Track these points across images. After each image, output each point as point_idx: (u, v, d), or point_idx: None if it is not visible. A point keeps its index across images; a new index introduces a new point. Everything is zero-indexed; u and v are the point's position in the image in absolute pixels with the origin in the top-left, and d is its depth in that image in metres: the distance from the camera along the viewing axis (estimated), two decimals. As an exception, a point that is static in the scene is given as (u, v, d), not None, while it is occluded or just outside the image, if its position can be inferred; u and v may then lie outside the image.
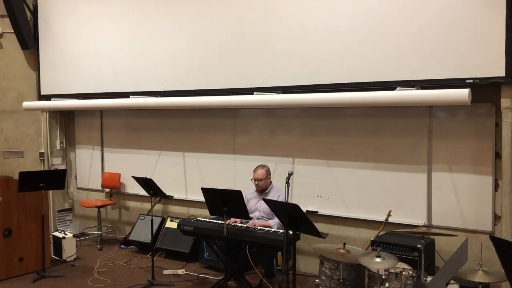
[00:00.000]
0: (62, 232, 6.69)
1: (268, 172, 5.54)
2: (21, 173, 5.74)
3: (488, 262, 4.27)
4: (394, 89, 4.77)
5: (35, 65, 7.87)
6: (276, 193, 5.49)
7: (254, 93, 5.64)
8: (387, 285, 4.19)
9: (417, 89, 4.69)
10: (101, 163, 7.86)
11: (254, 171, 5.55)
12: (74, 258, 6.56)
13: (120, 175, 7.58)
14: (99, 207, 7.31)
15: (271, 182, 5.60)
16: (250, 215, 5.32)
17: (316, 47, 5.39)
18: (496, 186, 4.84)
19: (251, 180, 5.55)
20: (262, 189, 5.52)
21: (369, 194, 5.50)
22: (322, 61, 5.36)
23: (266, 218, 5.41)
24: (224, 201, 4.71)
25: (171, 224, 6.71)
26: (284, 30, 5.61)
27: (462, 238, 4.08)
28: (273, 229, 5.06)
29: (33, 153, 7.82)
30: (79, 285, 5.64)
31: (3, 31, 7.59)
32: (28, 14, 7.70)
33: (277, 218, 5.18)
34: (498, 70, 4.44)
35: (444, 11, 4.67)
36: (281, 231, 4.89)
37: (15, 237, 5.92)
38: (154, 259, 5.76)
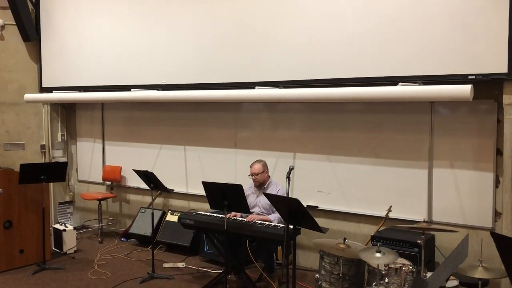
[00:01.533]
0: (63, 224, 6.72)
1: (264, 166, 5.51)
2: (22, 165, 5.74)
3: (488, 259, 4.27)
4: (396, 84, 4.76)
5: (37, 57, 7.86)
6: (275, 188, 5.47)
7: (256, 87, 5.63)
8: (386, 280, 4.20)
9: (419, 84, 4.68)
10: (102, 156, 7.87)
11: (251, 166, 5.52)
12: (75, 251, 6.58)
13: (121, 168, 7.58)
14: (99, 200, 7.32)
15: (269, 176, 5.58)
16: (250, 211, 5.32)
17: (318, 42, 5.38)
18: (497, 183, 4.83)
19: (249, 176, 5.54)
20: (260, 184, 5.50)
21: (369, 190, 5.50)
22: (324, 56, 5.35)
23: (266, 213, 5.40)
24: (224, 195, 4.71)
25: (172, 218, 6.73)
26: (286, 25, 5.59)
27: (463, 234, 4.07)
28: (273, 224, 5.06)
29: (34, 146, 7.82)
30: (79, 278, 5.66)
31: (4, 23, 7.58)
32: (30, 6, 7.68)
33: (277, 213, 5.20)
34: (500, 66, 4.42)
35: (447, 7, 4.65)
36: (281, 225, 4.89)
37: (15, 229, 5.93)
38: (154, 252, 5.78)
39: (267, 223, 5.08)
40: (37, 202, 6.04)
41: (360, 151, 5.56)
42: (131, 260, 6.30)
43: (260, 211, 5.45)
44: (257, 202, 5.49)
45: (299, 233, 4.90)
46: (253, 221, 5.11)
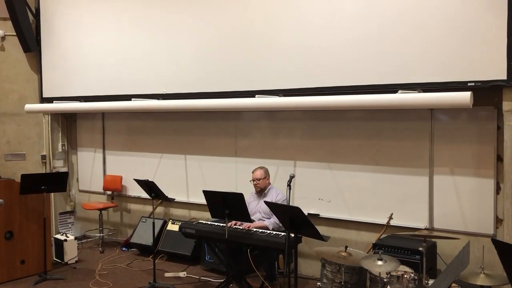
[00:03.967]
0: (64, 234, 6.71)
1: (266, 172, 5.61)
2: (23, 176, 5.75)
3: (490, 265, 4.27)
4: (395, 92, 4.77)
5: (37, 67, 7.89)
6: (275, 193, 5.54)
7: (256, 96, 5.64)
8: (388, 288, 4.19)
9: (419, 92, 4.69)
10: (103, 166, 7.87)
11: (253, 172, 5.63)
12: (76, 261, 6.57)
13: (121, 177, 7.58)
14: (100, 209, 7.32)
15: (270, 183, 5.65)
16: (252, 218, 5.34)
17: (318, 50, 5.40)
18: (498, 189, 4.83)
19: (250, 181, 5.58)
20: (261, 189, 5.57)
21: (370, 197, 5.50)
22: (323, 63, 5.37)
23: (267, 218, 5.43)
24: (225, 203, 4.71)
25: (173, 227, 6.72)
26: (286, 33, 5.61)
27: (464, 241, 4.07)
28: (274, 232, 5.06)
29: (35, 156, 7.83)
30: (80, 288, 5.66)
31: (5, 34, 7.61)
32: (31, 17, 7.72)
33: (273, 218, 5.25)
34: (499, 73, 4.44)
35: (446, 14, 4.68)
36: (282, 234, 4.89)
37: (17, 239, 5.93)
38: (156, 261, 5.76)
39: (268, 231, 5.09)
40: (38, 212, 6.04)
41: (361, 159, 5.56)
42: (132, 269, 6.29)
43: (262, 217, 5.49)
44: (258, 208, 5.54)
45: (300, 241, 4.89)
46: (249, 228, 5.13)
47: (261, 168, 5.63)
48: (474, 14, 4.55)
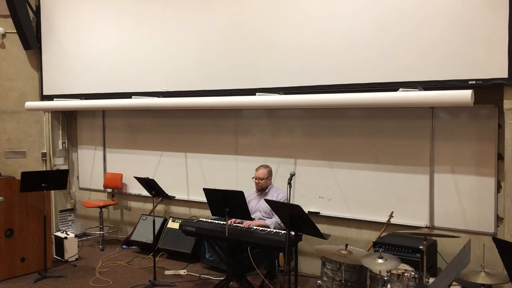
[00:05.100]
0: (64, 232, 6.71)
1: (270, 172, 5.58)
2: (23, 173, 5.74)
3: (490, 264, 4.27)
4: (396, 90, 4.77)
5: (38, 65, 7.88)
6: (276, 192, 5.53)
7: (256, 94, 5.64)
8: (389, 286, 4.18)
9: (420, 90, 4.68)
10: (103, 164, 7.87)
11: (256, 169, 5.60)
12: (76, 258, 6.57)
13: (122, 175, 7.58)
14: (101, 207, 7.32)
15: (271, 182, 5.64)
16: (252, 216, 5.33)
17: (318, 48, 5.39)
18: (498, 188, 4.83)
19: (252, 178, 5.57)
20: (262, 189, 5.56)
21: (371, 195, 5.50)
22: (324, 62, 5.36)
23: (267, 217, 5.43)
24: (226, 201, 4.71)
25: (173, 225, 6.72)
26: (286, 31, 5.61)
27: (465, 239, 4.07)
28: (274, 230, 5.06)
29: (35, 153, 7.83)
30: (80, 286, 5.65)
31: (5, 31, 7.60)
32: (31, 15, 7.71)
33: (274, 218, 5.24)
34: (500, 71, 4.43)
35: (446, 12, 4.67)
36: (283, 232, 4.89)
37: (17, 237, 5.93)
38: (156, 259, 5.76)
39: (268, 229, 5.09)
40: (38, 210, 6.04)
41: (361, 157, 5.56)
42: (133, 267, 6.29)
43: (262, 216, 5.48)
44: (258, 206, 5.54)
45: (301, 240, 4.89)
46: (250, 226, 5.13)
47: (266, 167, 5.60)
48: (475, 13, 4.54)
